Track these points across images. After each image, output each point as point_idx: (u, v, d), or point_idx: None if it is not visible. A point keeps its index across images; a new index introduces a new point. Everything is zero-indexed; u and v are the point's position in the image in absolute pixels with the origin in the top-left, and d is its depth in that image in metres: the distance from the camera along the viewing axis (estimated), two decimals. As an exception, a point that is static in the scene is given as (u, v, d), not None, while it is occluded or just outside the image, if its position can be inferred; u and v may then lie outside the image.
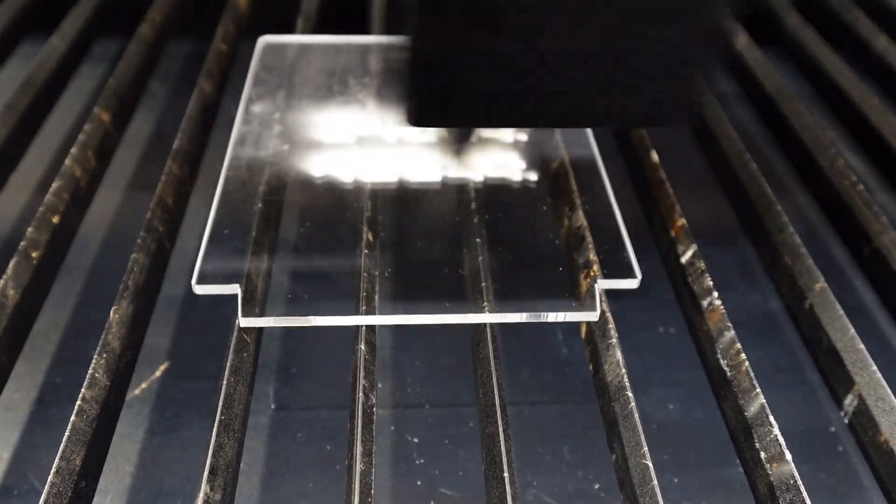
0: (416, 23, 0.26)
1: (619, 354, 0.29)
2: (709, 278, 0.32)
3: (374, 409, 0.27)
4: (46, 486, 0.24)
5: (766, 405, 0.27)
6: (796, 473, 0.25)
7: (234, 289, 0.29)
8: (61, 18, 0.49)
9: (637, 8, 0.26)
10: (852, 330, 0.30)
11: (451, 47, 0.27)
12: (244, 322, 0.29)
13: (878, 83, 0.48)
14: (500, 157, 0.37)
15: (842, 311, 0.31)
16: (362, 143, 0.38)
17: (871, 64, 0.50)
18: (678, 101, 0.28)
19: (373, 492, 0.24)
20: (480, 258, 0.31)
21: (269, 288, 0.31)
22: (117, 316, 0.30)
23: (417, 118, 0.28)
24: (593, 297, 0.30)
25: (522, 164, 0.37)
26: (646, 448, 0.26)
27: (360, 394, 0.27)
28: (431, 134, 0.38)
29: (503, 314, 0.30)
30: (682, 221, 0.35)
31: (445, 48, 0.27)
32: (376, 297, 0.30)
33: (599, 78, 0.27)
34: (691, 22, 0.26)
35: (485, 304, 0.30)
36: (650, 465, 0.25)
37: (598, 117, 0.29)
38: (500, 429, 0.26)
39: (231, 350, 0.28)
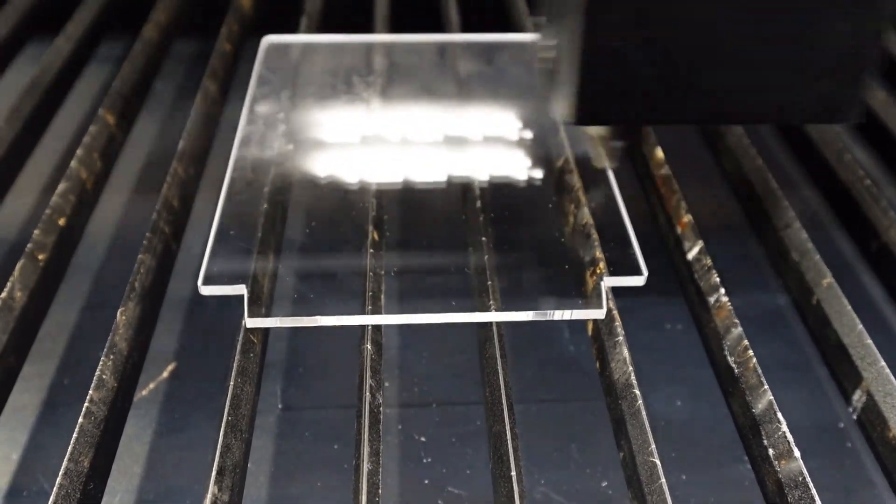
0: (584, 16, 0.25)
1: (626, 352, 0.29)
2: (716, 275, 0.32)
3: (381, 409, 0.27)
4: (55, 488, 0.24)
5: (774, 402, 0.27)
6: (805, 470, 0.25)
7: (241, 289, 0.29)
8: (66, 20, 0.49)
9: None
10: (860, 325, 0.30)
11: (621, 40, 0.26)
12: (250, 322, 0.29)
13: (886, 77, 0.48)
14: (505, 156, 0.37)
15: (849, 307, 0.30)
16: (367, 142, 0.38)
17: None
18: (847, 95, 0.28)
19: (380, 491, 0.24)
20: (486, 257, 0.31)
21: (275, 288, 0.31)
22: (124, 317, 0.30)
23: (582, 115, 0.27)
24: (600, 294, 0.30)
25: (528, 162, 0.37)
26: (653, 446, 0.26)
27: (367, 393, 0.27)
28: (436, 133, 0.38)
29: (509, 313, 0.30)
30: (688, 218, 0.34)
31: (615, 41, 0.26)
32: (382, 296, 0.30)
33: (771, 72, 0.27)
34: (862, 14, 0.26)
35: (491, 302, 0.30)
36: (658, 462, 0.25)
37: (768, 112, 0.28)
38: (508, 427, 0.26)
39: (238, 350, 0.28)
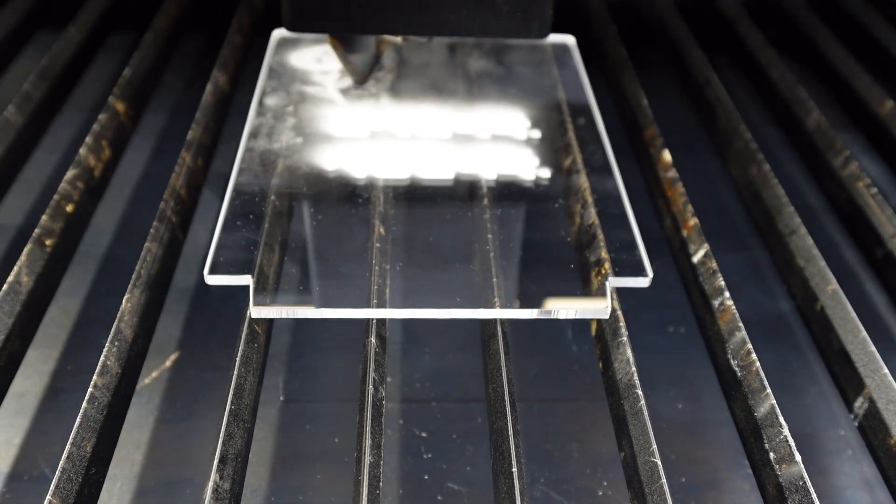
0: None
1: (629, 352, 0.29)
2: (720, 278, 0.32)
3: (384, 402, 0.27)
4: (57, 472, 0.24)
5: (776, 406, 0.27)
6: (805, 474, 0.25)
7: (246, 279, 0.30)
8: (77, 10, 0.49)
9: None
10: (864, 332, 0.30)
11: None
12: (255, 312, 0.29)
13: (894, 86, 0.48)
14: (512, 154, 0.37)
15: (853, 314, 0.31)
16: (375, 137, 0.38)
17: (887, 67, 0.50)
18: (534, 14, 0.32)
19: (381, 484, 0.25)
20: (492, 254, 0.31)
21: (280, 279, 0.31)
22: (129, 304, 0.30)
23: (292, 22, 0.32)
24: (604, 294, 0.30)
25: (535, 162, 0.37)
26: (655, 446, 0.26)
27: (370, 386, 0.27)
28: (444, 130, 0.38)
29: (514, 310, 0.30)
30: (694, 221, 0.34)
31: None
32: (387, 290, 0.30)
33: None
34: None
35: (496, 299, 0.30)
36: (659, 463, 0.25)
37: (465, 26, 0.33)
38: (510, 423, 0.26)
39: (242, 340, 0.29)
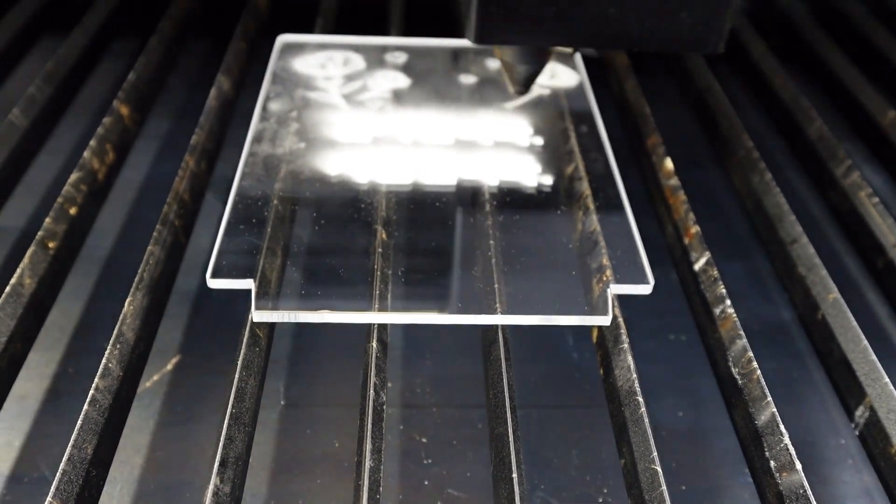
0: None
1: (630, 359, 0.29)
2: (722, 286, 0.32)
3: (385, 407, 0.27)
4: (58, 474, 0.24)
5: (777, 414, 0.27)
6: (806, 483, 0.25)
7: (248, 283, 0.30)
8: (82, 14, 0.50)
9: None
10: (865, 341, 0.30)
11: None
12: (257, 316, 0.29)
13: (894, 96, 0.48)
14: (515, 161, 0.37)
15: (854, 322, 0.31)
16: (378, 143, 0.38)
17: (889, 76, 0.50)
18: (712, 27, 0.31)
19: (381, 489, 0.25)
20: (493, 260, 0.32)
21: (282, 283, 0.31)
22: (132, 307, 0.30)
23: (479, 35, 0.31)
24: (606, 301, 0.30)
25: (537, 168, 0.37)
26: (655, 453, 0.26)
27: (371, 391, 0.27)
28: (447, 136, 0.39)
29: (515, 316, 0.30)
30: (695, 229, 0.35)
31: None
32: (389, 295, 0.30)
33: (647, 2, 0.31)
34: None
35: (497, 305, 0.30)
36: (659, 470, 0.25)
37: (642, 39, 0.32)
38: (510, 429, 0.26)
39: (243, 344, 0.29)
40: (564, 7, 0.30)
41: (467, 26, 0.32)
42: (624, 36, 0.31)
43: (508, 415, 0.27)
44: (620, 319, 0.30)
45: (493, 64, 0.44)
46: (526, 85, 0.37)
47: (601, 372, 0.30)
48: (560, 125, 0.40)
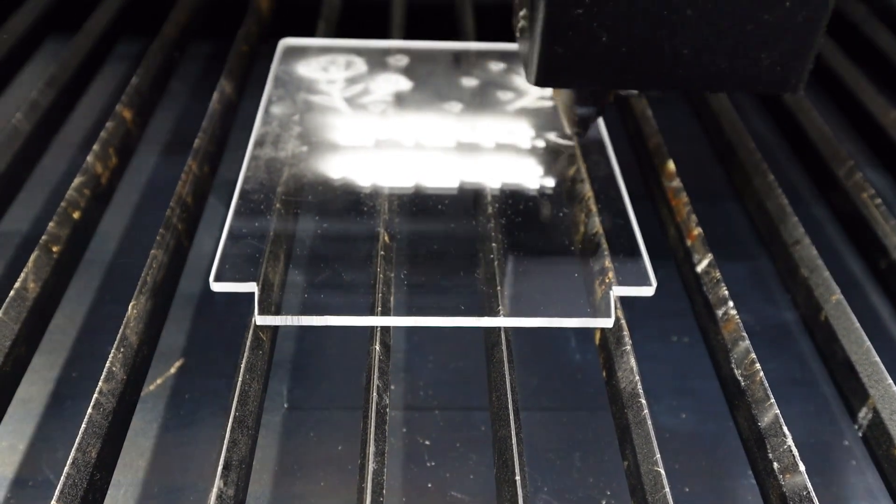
0: None
1: (632, 361, 0.29)
2: (724, 288, 0.32)
3: (388, 410, 0.27)
4: (62, 477, 0.24)
5: (780, 416, 0.27)
6: (809, 485, 0.25)
7: (251, 287, 0.30)
8: (85, 18, 0.50)
9: None
10: (868, 342, 0.30)
11: (581, 7, 0.27)
12: (260, 320, 0.29)
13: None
14: (517, 163, 0.38)
15: (857, 324, 0.31)
16: (381, 146, 0.38)
17: (891, 77, 0.50)
18: (794, 67, 0.29)
19: (384, 492, 0.25)
20: (496, 262, 0.32)
21: (285, 287, 0.31)
22: (135, 311, 0.30)
23: (541, 78, 0.29)
24: (608, 303, 0.30)
25: (539, 171, 0.37)
26: (658, 455, 0.26)
27: (374, 394, 0.27)
28: (449, 139, 0.39)
29: (518, 318, 0.30)
30: (698, 230, 0.35)
31: (576, 8, 0.27)
32: (392, 298, 0.30)
33: (722, 41, 0.28)
34: None
35: (499, 308, 0.30)
36: (662, 472, 0.25)
37: (719, 81, 0.30)
38: (513, 432, 0.26)
39: (246, 348, 0.29)
40: (636, 48, 0.28)
41: (528, 67, 0.30)
42: (696, 78, 0.29)
43: (511, 417, 0.27)
44: (623, 321, 0.30)
45: (495, 67, 0.44)
46: (584, 127, 0.35)
47: (604, 374, 0.30)
48: (561, 127, 0.40)
